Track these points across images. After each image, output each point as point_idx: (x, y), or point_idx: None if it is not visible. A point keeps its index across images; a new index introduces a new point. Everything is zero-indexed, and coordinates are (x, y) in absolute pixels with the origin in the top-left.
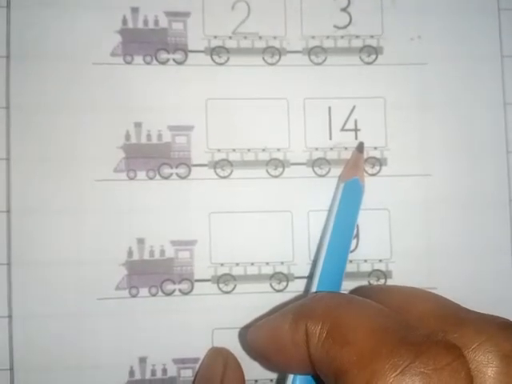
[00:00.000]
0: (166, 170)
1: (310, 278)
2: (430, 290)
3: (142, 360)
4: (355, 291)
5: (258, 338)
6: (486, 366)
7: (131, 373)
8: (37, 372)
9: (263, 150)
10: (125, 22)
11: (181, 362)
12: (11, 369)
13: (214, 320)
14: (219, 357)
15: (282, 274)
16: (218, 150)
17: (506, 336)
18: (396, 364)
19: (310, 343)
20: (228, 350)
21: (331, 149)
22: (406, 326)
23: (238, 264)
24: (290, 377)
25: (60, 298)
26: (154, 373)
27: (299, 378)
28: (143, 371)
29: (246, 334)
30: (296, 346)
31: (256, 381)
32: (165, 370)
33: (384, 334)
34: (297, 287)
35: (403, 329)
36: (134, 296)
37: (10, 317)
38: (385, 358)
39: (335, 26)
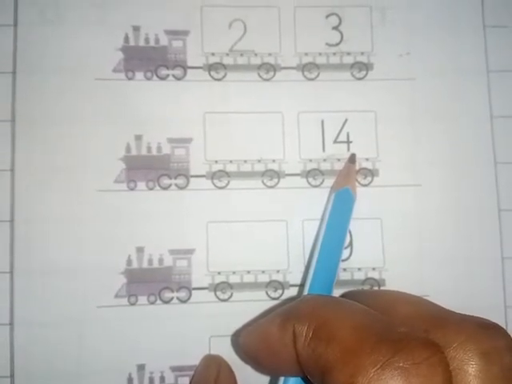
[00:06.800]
0: (165, 181)
1: (303, 285)
2: (421, 297)
3: (141, 367)
4: (343, 296)
5: (249, 342)
6: (467, 363)
7: (129, 380)
8: (37, 379)
9: (259, 161)
10: (127, 39)
11: (178, 369)
12: (12, 375)
13: (211, 327)
14: (213, 363)
15: (278, 281)
16: (216, 162)
17: (484, 334)
18: (376, 359)
19: (297, 343)
20: (221, 357)
21: (324, 160)
22: (387, 324)
23: (234, 272)
24: (281, 379)
25: (60, 305)
26: (152, 380)
27: (290, 380)
28: (141, 379)
29: (238, 339)
30: (285, 347)
31: None
32: (163, 378)
33: (366, 332)
34: (292, 295)
35: (385, 327)
36: (132, 304)
37: (11, 324)
38: (366, 353)
39: (327, 44)
